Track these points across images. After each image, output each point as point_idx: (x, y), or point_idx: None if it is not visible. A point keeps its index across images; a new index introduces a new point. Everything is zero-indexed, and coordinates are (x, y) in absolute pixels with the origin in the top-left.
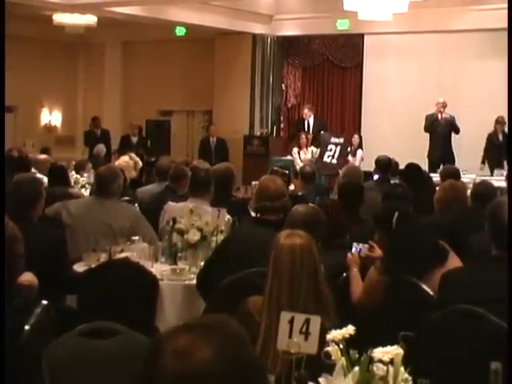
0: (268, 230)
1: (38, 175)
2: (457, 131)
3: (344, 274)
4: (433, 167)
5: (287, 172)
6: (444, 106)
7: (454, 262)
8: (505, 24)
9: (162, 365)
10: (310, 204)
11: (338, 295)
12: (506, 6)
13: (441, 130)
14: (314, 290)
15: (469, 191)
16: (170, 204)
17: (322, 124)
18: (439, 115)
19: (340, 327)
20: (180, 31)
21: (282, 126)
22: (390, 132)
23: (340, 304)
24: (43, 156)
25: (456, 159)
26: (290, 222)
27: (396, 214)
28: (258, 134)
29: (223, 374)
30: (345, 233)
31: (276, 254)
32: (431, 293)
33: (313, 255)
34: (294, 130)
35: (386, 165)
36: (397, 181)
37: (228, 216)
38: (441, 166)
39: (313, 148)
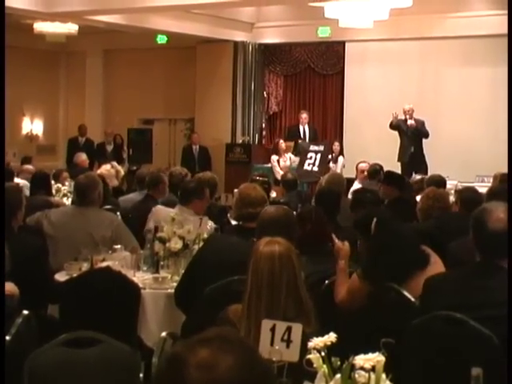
0: (249, 238)
1: (21, 182)
2: (425, 136)
3: (327, 282)
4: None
5: (267, 179)
6: (410, 112)
7: (437, 267)
8: (485, 31)
9: (187, 378)
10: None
11: (321, 302)
12: (486, 12)
13: (410, 136)
14: (293, 296)
15: (451, 197)
16: (159, 207)
17: (315, 132)
18: (408, 121)
19: (322, 334)
20: (161, 39)
21: (264, 133)
22: (371, 139)
23: (323, 311)
24: (29, 166)
25: (429, 165)
26: (261, 224)
27: (375, 219)
28: (240, 141)
29: (245, 383)
30: (328, 240)
31: (255, 262)
32: (412, 299)
33: (292, 262)
34: (290, 136)
35: (377, 173)
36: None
37: (211, 223)
38: (413, 174)
39: (291, 155)
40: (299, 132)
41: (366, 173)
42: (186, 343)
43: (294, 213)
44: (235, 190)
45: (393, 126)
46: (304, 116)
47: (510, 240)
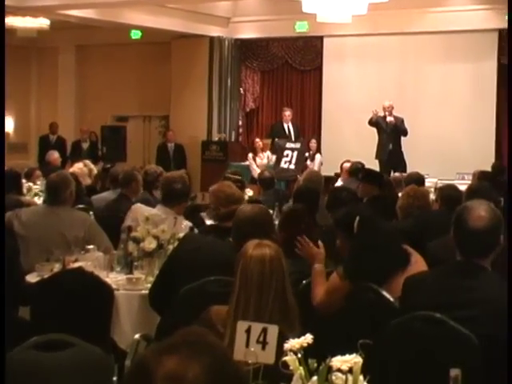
0: (225, 238)
1: None
2: (404, 133)
3: (304, 282)
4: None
5: (240, 178)
6: (390, 108)
7: (418, 266)
8: (466, 26)
9: None
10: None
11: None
12: (467, 7)
13: (389, 133)
14: (280, 300)
15: (431, 195)
16: (138, 206)
17: (298, 129)
18: (387, 118)
19: (299, 335)
20: (135, 34)
21: (240, 130)
22: (349, 136)
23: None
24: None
25: (408, 162)
26: (236, 223)
27: (357, 218)
28: (216, 139)
29: None
30: (309, 239)
31: (244, 265)
32: (391, 299)
33: (282, 266)
34: (274, 134)
35: (358, 171)
36: None
37: (186, 222)
38: (391, 172)
39: (268, 153)
40: (283, 129)
41: None
42: (154, 350)
43: (271, 211)
44: (210, 189)
45: (372, 123)
46: (288, 113)
47: (510, 240)
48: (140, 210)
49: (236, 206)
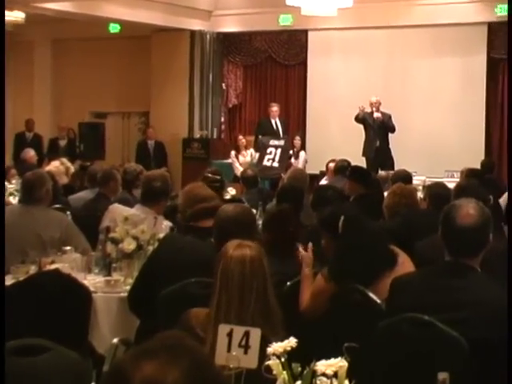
0: (204, 238)
1: None
2: (391, 130)
3: (288, 283)
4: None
5: (219, 178)
6: (377, 104)
7: (405, 266)
8: (455, 19)
9: None
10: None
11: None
12: (455, 0)
13: (376, 130)
14: (262, 303)
15: (418, 193)
16: (116, 206)
17: (286, 125)
18: (374, 114)
19: (283, 339)
20: (114, 28)
21: (222, 127)
22: (336, 132)
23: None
24: None
25: (396, 160)
26: (218, 223)
27: (342, 217)
28: (198, 136)
29: None
30: (295, 240)
31: (225, 266)
32: (378, 301)
33: (263, 267)
34: (260, 131)
35: (345, 169)
36: None
37: (166, 222)
38: (379, 170)
39: (252, 151)
40: (271, 126)
41: None
42: (131, 355)
43: (254, 211)
44: (182, 191)
45: (358, 120)
46: (275, 109)
47: (510, 239)
48: (118, 210)
49: (202, 204)
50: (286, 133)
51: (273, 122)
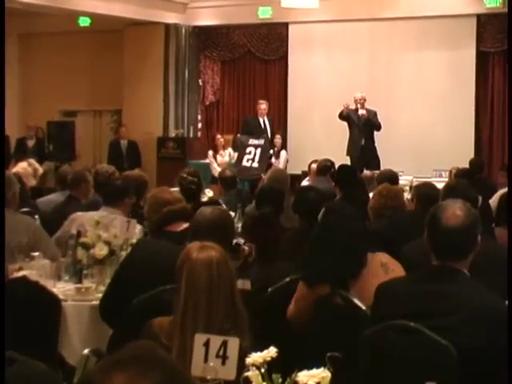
0: (179, 243)
1: None
2: (377, 128)
3: (269, 289)
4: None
5: (196, 179)
6: (362, 100)
7: (397, 273)
8: (441, 11)
9: None
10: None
11: (263, 311)
12: None
13: (361, 127)
14: (231, 306)
15: (405, 194)
16: (79, 214)
17: (273, 124)
18: (359, 111)
19: (262, 348)
20: (84, 22)
21: (199, 126)
22: (318, 130)
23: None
24: None
25: (382, 159)
26: (195, 227)
27: (323, 209)
28: (173, 135)
29: None
30: (277, 245)
31: (190, 270)
32: (363, 307)
33: (229, 269)
34: (248, 130)
35: (328, 169)
36: None
37: (139, 227)
38: (364, 169)
39: (230, 150)
40: (259, 124)
41: None
42: (101, 367)
43: (233, 213)
44: (146, 196)
45: (342, 117)
46: (263, 106)
47: (509, 236)
48: (81, 218)
49: (166, 208)
50: (275, 133)
51: (261, 120)
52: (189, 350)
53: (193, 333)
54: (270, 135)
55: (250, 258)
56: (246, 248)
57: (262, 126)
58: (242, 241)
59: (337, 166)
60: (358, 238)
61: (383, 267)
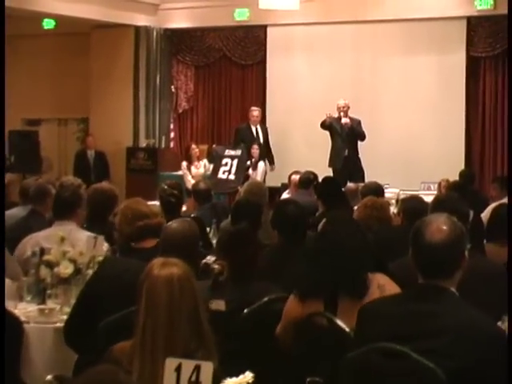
0: (147, 260)
1: None
2: (361, 137)
3: (245, 310)
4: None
5: (176, 192)
6: (345, 108)
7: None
8: (429, 13)
9: None
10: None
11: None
12: None
13: (344, 137)
14: (194, 325)
15: (391, 208)
16: (33, 235)
17: (267, 133)
18: (342, 120)
19: (238, 372)
20: (48, 24)
21: (172, 135)
22: (299, 140)
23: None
24: None
25: (366, 171)
26: (163, 243)
27: (324, 219)
28: (144, 145)
29: None
30: (254, 263)
31: (150, 287)
32: (346, 329)
33: (192, 286)
34: (240, 140)
35: (310, 182)
36: None
37: (106, 244)
38: (347, 182)
39: (205, 161)
40: (252, 134)
41: None
42: None
43: (208, 228)
44: (119, 207)
45: (325, 126)
46: (256, 114)
47: (509, 244)
48: (33, 240)
49: (142, 222)
50: (268, 142)
51: (253, 129)
52: (148, 375)
53: (152, 355)
54: (263, 144)
55: (220, 277)
56: (216, 267)
57: (255, 134)
58: (211, 259)
59: (320, 179)
60: (360, 254)
61: (380, 289)
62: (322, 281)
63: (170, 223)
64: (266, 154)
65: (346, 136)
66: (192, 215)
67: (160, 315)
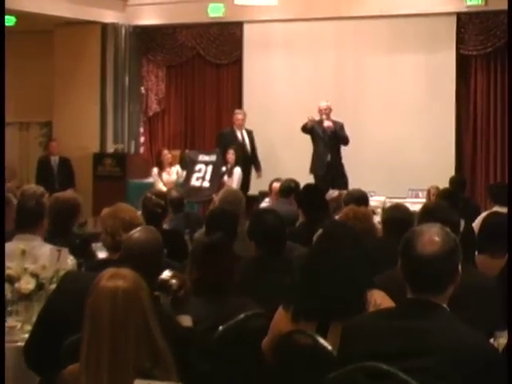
0: None
1: None
2: (344, 141)
3: (220, 328)
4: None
5: (163, 202)
6: (327, 111)
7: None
8: (417, 9)
9: None
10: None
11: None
12: None
13: (326, 141)
14: (146, 343)
15: (377, 218)
16: None
17: (253, 137)
18: (324, 123)
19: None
20: (9, 21)
21: (142, 139)
22: (278, 144)
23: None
24: None
25: (350, 177)
26: (124, 254)
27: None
28: (112, 150)
29: None
30: (230, 276)
31: (93, 301)
32: (329, 347)
33: (140, 301)
34: (223, 145)
35: (291, 190)
36: None
37: (71, 257)
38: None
39: (178, 168)
40: (236, 138)
41: None
42: None
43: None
44: (105, 211)
45: (306, 130)
46: (240, 117)
47: (509, 254)
48: None
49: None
50: (254, 148)
51: (238, 133)
52: None
53: (96, 377)
54: (249, 150)
55: (180, 293)
56: (174, 282)
57: (240, 139)
58: (169, 274)
59: (301, 186)
60: (359, 273)
61: (375, 308)
62: (315, 306)
63: (132, 232)
64: (253, 160)
65: (328, 140)
66: (164, 226)
67: (103, 334)
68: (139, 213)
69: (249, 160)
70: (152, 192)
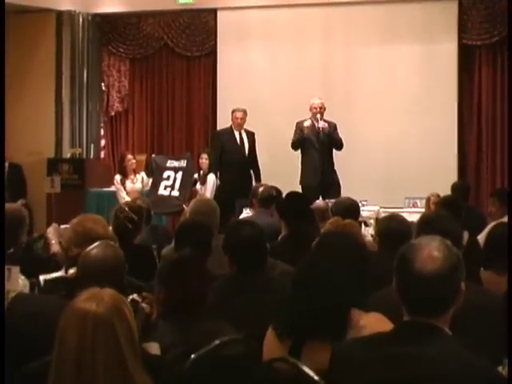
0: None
1: None
2: (337, 145)
3: (192, 356)
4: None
5: (135, 217)
6: (322, 109)
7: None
8: None
9: None
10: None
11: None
12: None
13: (318, 147)
14: (119, 377)
15: (369, 230)
16: None
17: (254, 139)
18: (315, 124)
19: None
20: None
21: (102, 143)
22: (258, 147)
23: None
24: None
25: (343, 184)
26: (80, 272)
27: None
28: (69, 155)
29: None
30: (202, 297)
31: (62, 327)
32: (315, 377)
33: (113, 330)
34: (216, 148)
35: (272, 199)
36: None
37: (22, 277)
38: (320, 197)
39: (143, 175)
40: (234, 140)
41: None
42: None
43: (156, 255)
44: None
45: (300, 143)
46: (239, 115)
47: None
48: None
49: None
50: (254, 150)
51: (236, 134)
52: None
53: None
54: (247, 153)
55: (151, 317)
56: (145, 306)
57: (239, 141)
58: (136, 297)
59: (284, 195)
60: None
61: (355, 330)
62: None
63: (89, 248)
64: (251, 165)
65: (320, 146)
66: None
67: (69, 358)
68: (110, 227)
69: (246, 165)
70: (127, 204)
